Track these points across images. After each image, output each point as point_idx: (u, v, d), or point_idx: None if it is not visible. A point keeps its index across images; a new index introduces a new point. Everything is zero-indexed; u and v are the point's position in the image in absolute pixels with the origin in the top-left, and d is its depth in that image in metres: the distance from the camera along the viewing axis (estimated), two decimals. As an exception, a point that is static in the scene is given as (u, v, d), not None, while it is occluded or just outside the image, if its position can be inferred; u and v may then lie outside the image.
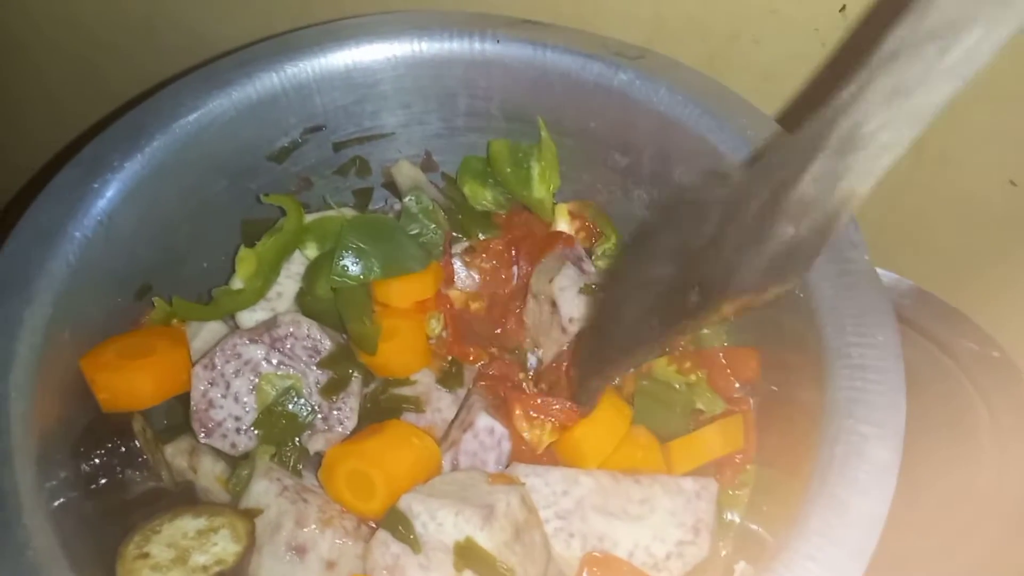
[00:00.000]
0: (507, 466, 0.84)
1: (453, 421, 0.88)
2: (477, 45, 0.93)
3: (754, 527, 0.81)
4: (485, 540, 0.73)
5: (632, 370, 0.89)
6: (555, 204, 1.01)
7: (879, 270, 1.12)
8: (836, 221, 0.54)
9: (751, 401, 0.88)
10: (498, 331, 0.96)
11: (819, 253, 0.56)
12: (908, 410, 1.03)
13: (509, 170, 0.98)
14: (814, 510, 0.64)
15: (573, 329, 0.89)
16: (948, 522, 0.96)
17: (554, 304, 0.90)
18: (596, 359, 0.78)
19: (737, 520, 0.83)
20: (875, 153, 0.51)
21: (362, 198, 1.06)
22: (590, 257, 0.97)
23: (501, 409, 0.87)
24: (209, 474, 0.87)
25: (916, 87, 0.48)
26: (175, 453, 0.87)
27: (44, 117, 1.51)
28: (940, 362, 1.10)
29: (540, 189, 0.98)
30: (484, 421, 0.84)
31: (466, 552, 0.73)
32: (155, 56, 1.28)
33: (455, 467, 0.85)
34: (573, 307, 0.89)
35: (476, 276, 0.99)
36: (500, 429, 0.84)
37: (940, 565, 0.93)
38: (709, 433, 0.85)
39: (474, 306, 0.97)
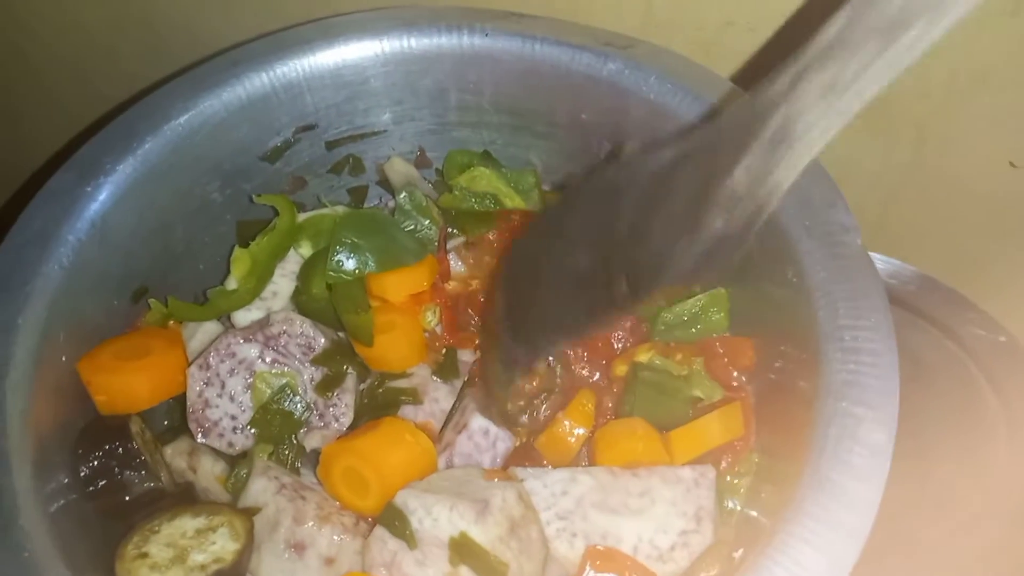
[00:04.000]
0: (504, 468, 0.84)
1: (447, 423, 0.88)
2: (466, 39, 0.93)
3: (754, 513, 0.80)
4: (479, 534, 0.73)
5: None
6: (547, 192, 1.01)
7: (883, 257, 1.13)
8: (762, 213, 0.54)
9: (749, 389, 0.88)
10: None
11: (746, 243, 0.56)
12: (917, 398, 1.03)
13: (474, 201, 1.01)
14: (808, 493, 0.64)
15: None
16: (959, 507, 0.95)
17: None
18: (518, 339, 0.77)
19: (738, 508, 0.83)
20: (805, 147, 0.51)
21: (357, 196, 1.06)
22: None
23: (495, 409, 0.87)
24: (209, 474, 0.87)
25: (852, 83, 0.48)
26: (174, 454, 0.88)
27: (42, 120, 1.52)
28: (946, 348, 1.09)
29: (513, 199, 0.99)
30: (479, 423, 0.84)
31: (460, 546, 0.73)
32: (152, 57, 1.28)
33: (450, 468, 0.84)
34: None
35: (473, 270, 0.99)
36: (495, 430, 0.84)
37: (950, 550, 0.92)
38: (709, 421, 0.84)
39: (474, 284, 0.97)
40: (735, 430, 0.84)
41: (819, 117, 0.50)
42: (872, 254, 1.11)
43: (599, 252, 0.65)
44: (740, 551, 0.78)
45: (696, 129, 0.66)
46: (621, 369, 0.89)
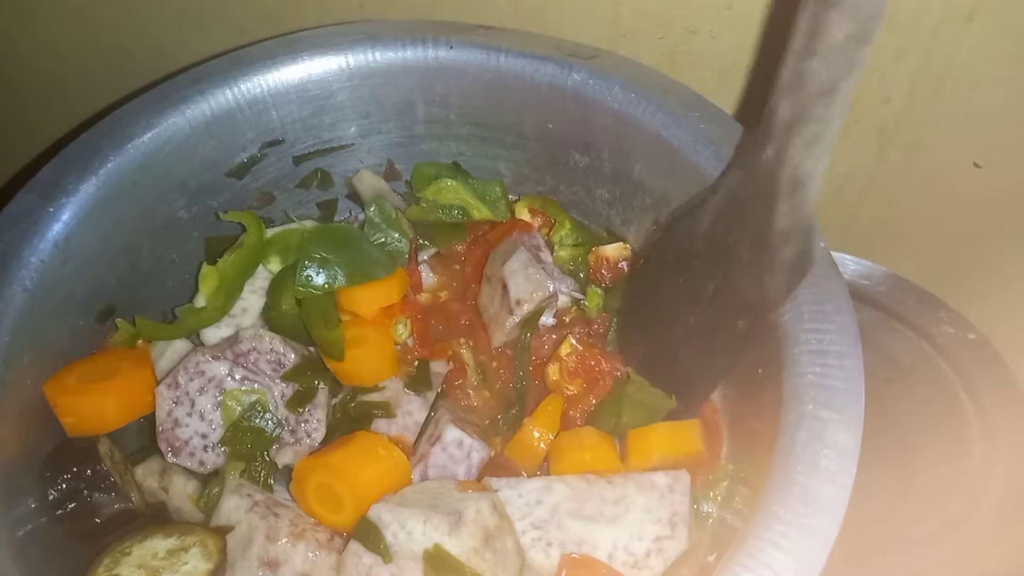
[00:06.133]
0: (478, 479, 0.84)
1: (421, 435, 0.88)
2: (431, 52, 0.93)
3: (728, 518, 0.81)
4: (453, 546, 0.73)
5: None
6: (515, 201, 1.01)
7: (854, 258, 1.14)
8: (814, 234, 0.65)
9: (717, 396, 0.88)
10: (464, 322, 0.97)
11: (815, 253, 0.66)
12: (897, 401, 1.04)
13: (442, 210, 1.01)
14: (777, 497, 0.64)
15: (520, 311, 0.90)
16: (937, 510, 0.96)
17: (505, 287, 0.91)
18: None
19: (713, 513, 0.83)
20: (810, 190, 0.63)
21: (326, 210, 1.06)
22: (550, 249, 0.97)
23: (468, 421, 0.86)
24: (181, 493, 0.86)
25: (829, 134, 0.61)
26: (146, 474, 0.87)
27: (19, 137, 1.51)
28: (920, 348, 1.10)
29: (480, 210, 1.00)
30: (453, 434, 0.84)
31: (435, 559, 0.72)
32: (125, 75, 1.27)
33: (424, 480, 0.84)
34: (522, 290, 0.90)
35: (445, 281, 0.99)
36: (469, 441, 0.84)
37: (929, 554, 0.93)
38: (655, 430, 0.83)
39: (443, 295, 0.97)
40: (688, 445, 0.83)
41: (812, 166, 0.62)
42: (843, 255, 1.13)
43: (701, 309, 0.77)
44: (714, 555, 0.78)
45: (719, 183, 0.76)
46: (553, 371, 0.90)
